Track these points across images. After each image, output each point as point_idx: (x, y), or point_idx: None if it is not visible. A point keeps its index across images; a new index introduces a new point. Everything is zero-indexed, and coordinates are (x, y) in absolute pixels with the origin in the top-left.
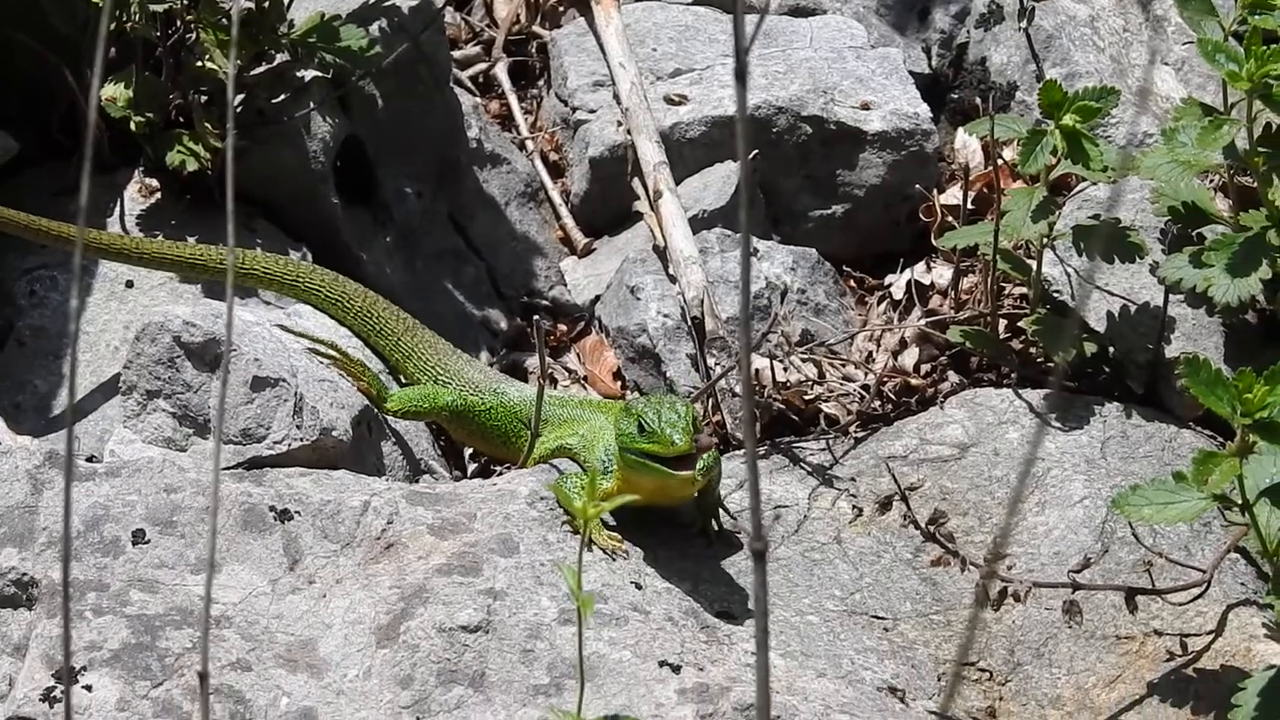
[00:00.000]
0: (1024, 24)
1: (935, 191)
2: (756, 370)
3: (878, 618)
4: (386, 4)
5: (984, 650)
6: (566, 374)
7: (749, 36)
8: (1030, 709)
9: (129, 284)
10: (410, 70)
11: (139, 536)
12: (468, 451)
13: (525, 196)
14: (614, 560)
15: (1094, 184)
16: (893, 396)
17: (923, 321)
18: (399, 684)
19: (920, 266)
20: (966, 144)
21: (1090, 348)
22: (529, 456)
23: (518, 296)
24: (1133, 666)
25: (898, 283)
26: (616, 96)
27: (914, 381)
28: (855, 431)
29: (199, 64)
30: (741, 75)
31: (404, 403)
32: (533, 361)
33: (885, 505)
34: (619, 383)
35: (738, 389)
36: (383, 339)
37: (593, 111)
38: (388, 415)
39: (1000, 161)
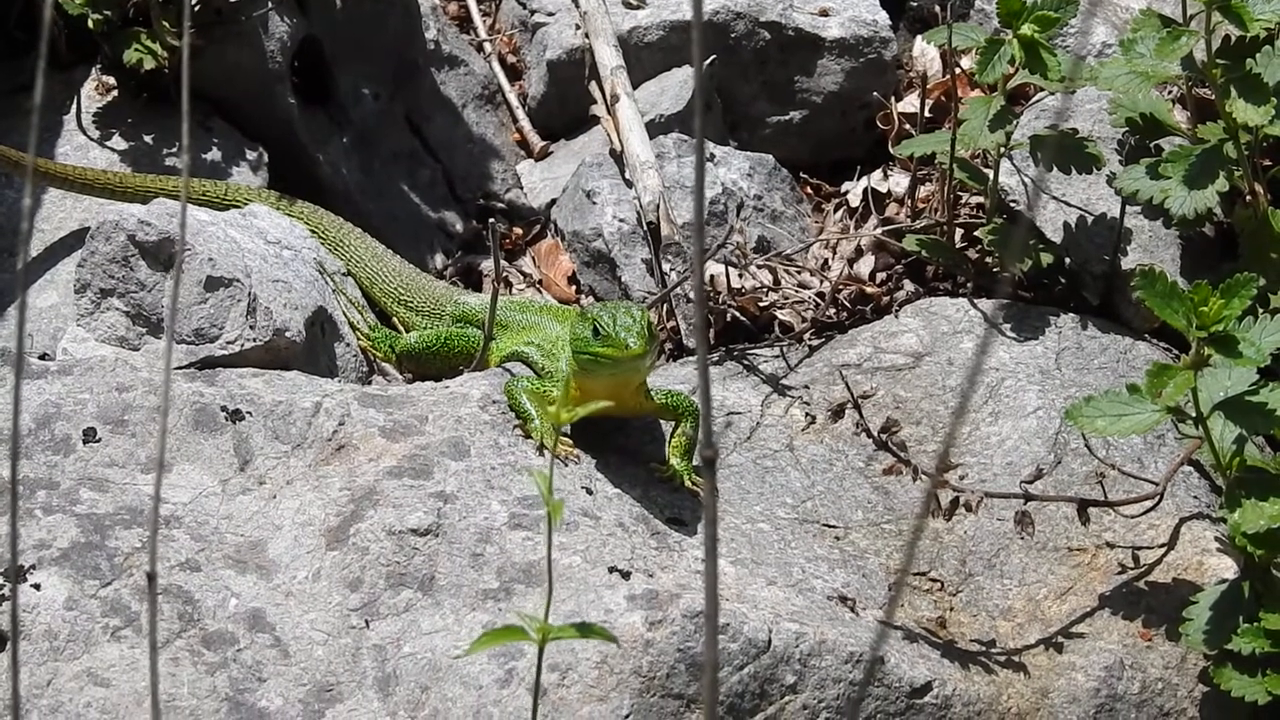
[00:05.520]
0: None
1: (893, 99)
2: (712, 276)
3: (829, 526)
4: None
5: (935, 560)
6: (521, 277)
7: None
8: (981, 619)
9: None
10: None
11: (90, 435)
12: None
13: (482, 99)
14: (565, 465)
15: (1052, 94)
16: (848, 304)
17: (879, 230)
18: (348, 586)
19: (877, 174)
20: (925, 52)
21: (1046, 258)
22: (483, 359)
23: (474, 199)
24: (1084, 578)
25: (854, 190)
26: None
27: (869, 290)
28: (810, 339)
29: None
30: None
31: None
32: (487, 264)
33: (838, 413)
34: (574, 287)
35: (693, 294)
36: (356, 268)
37: (551, 14)
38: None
39: (958, 70)
